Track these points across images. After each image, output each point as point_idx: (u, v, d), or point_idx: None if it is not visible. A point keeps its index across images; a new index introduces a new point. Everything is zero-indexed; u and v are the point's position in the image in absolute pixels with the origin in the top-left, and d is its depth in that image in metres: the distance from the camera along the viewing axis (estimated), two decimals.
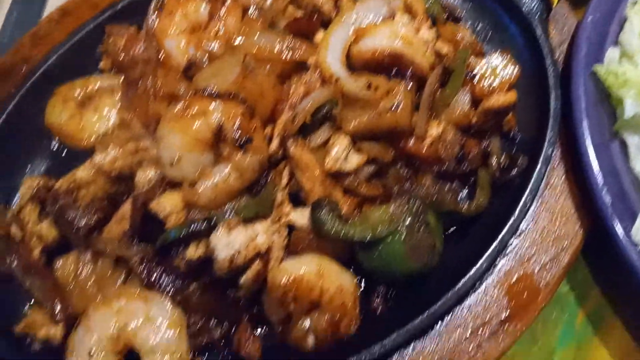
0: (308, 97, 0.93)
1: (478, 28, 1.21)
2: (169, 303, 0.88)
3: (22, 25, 1.31)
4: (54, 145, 1.10)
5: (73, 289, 0.94)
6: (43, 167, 1.10)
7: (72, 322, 0.92)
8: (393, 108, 0.91)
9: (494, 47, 1.18)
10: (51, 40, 1.14)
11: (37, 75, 1.09)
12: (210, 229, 0.87)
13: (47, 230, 0.97)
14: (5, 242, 0.97)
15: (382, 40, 0.98)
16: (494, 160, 1.02)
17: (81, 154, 1.04)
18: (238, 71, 0.91)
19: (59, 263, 0.95)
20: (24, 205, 1.00)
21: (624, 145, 1.02)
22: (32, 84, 1.09)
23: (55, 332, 0.92)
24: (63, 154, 1.10)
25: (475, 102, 1.04)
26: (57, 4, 1.30)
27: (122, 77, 1.05)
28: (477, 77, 1.05)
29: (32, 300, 0.96)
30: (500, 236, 0.95)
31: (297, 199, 0.95)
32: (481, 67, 1.06)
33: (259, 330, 0.93)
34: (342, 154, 0.91)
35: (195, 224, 0.87)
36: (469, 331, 0.91)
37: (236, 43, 0.98)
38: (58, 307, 0.93)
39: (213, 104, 0.88)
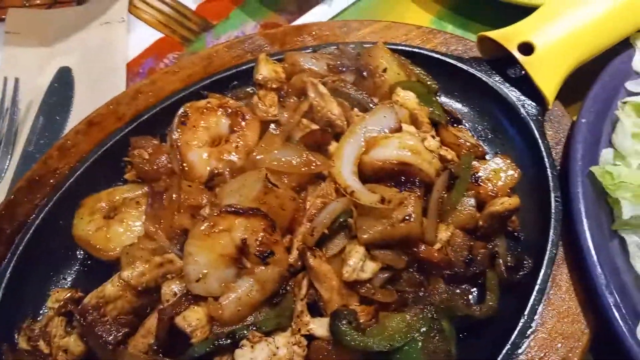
0: (325, 209, 0.98)
1: (479, 129, 1.29)
2: None
3: (49, 132, 1.38)
4: (81, 256, 1.14)
5: None
6: (70, 278, 1.13)
7: None
8: (405, 219, 0.96)
9: (495, 148, 1.26)
10: (78, 151, 1.20)
11: (64, 188, 1.15)
12: (234, 345, 0.90)
13: (73, 344, 0.99)
14: (33, 357, 1.00)
15: (392, 151, 1.04)
16: (501, 262, 1.08)
17: (106, 265, 1.08)
18: (260, 187, 0.97)
19: None
20: (50, 319, 1.04)
21: (623, 244, 1.07)
22: (60, 196, 1.14)
23: None
24: (89, 265, 1.14)
25: (479, 204, 1.11)
26: (81, 110, 1.39)
27: (147, 189, 1.11)
28: (480, 181, 1.13)
29: None
30: (511, 339, 0.97)
31: (314, 309, 0.99)
32: (484, 170, 1.14)
33: None
34: (358, 264, 0.96)
35: (220, 340, 0.90)
36: None
37: (256, 157, 1.05)
38: None
39: (237, 220, 0.94)
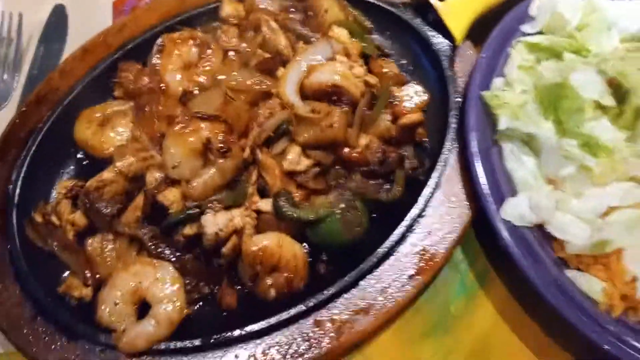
0: (271, 118, 1.29)
1: (403, 63, 1.57)
2: (172, 268, 1.19)
3: (49, 58, 1.64)
4: (80, 155, 1.43)
5: (99, 261, 1.24)
6: (71, 172, 1.41)
7: (98, 285, 1.20)
8: (331, 125, 1.27)
9: (415, 79, 1.51)
10: (75, 74, 1.47)
11: (66, 102, 1.43)
12: (201, 213, 1.21)
13: (79, 218, 1.29)
14: (47, 228, 1.30)
15: (326, 75, 1.33)
16: (407, 162, 1.40)
17: (99, 162, 1.36)
18: (221, 100, 1.27)
19: (89, 242, 1.25)
20: (59, 201, 1.34)
21: (500, 150, 1.30)
22: (63, 109, 1.43)
23: (87, 292, 1.21)
24: (86, 162, 1.43)
25: (394, 120, 1.42)
26: (74, 41, 1.64)
27: (133, 103, 1.40)
28: (396, 101, 1.43)
29: (69, 271, 1.29)
30: (409, 216, 1.23)
31: (263, 192, 1.30)
32: (400, 93, 1.44)
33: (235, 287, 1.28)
34: (295, 158, 1.28)
35: (191, 210, 1.22)
36: (384, 284, 1.16)
37: (219, 78, 1.34)
38: (88, 275, 1.22)
39: (203, 124, 1.24)
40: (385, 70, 1.48)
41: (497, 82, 1.45)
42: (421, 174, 1.37)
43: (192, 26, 1.53)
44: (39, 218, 1.31)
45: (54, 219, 1.31)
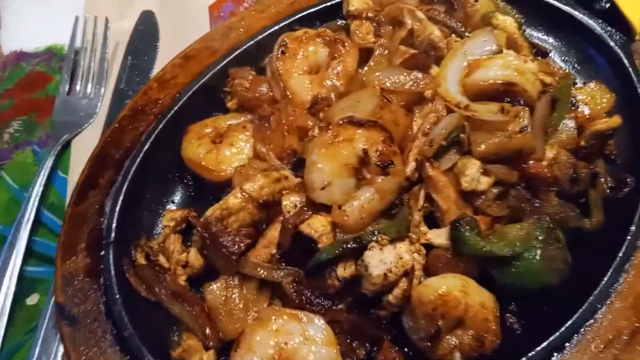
0: (440, 122, 1.01)
1: (565, 61, 1.30)
2: (323, 323, 0.92)
3: (139, 70, 1.41)
4: (186, 180, 1.17)
5: (223, 314, 0.97)
6: (178, 200, 1.17)
7: (223, 346, 0.96)
8: (522, 130, 0.98)
9: (583, 79, 1.28)
10: (176, 83, 1.23)
11: (170, 115, 1.18)
12: (362, 248, 0.93)
13: (193, 258, 1.03)
14: (153, 272, 1.02)
15: (497, 71, 1.06)
16: (602, 181, 1.10)
17: (212, 188, 1.12)
18: (376, 102, 0.99)
19: (209, 290, 0.98)
20: (167, 236, 1.06)
21: None
22: (165, 124, 1.17)
23: (208, 357, 0.95)
24: (194, 188, 1.17)
25: (578, 127, 1.13)
26: (167, 50, 1.41)
27: (253, 115, 1.14)
28: (578, 105, 1.15)
29: (181, 326, 1.00)
30: (621, 251, 0.99)
31: (429, 221, 1.02)
32: (580, 95, 1.16)
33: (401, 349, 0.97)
34: (476, 175, 0.98)
35: (348, 243, 0.93)
36: (603, 345, 0.93)
37: (365, 78, 1.07)
38: (209, 333, 0.96)
39: (358, 131, 0.96)
40: (553, 69, 1.20)
41: None
42: (624, 194, 1.06)
43: (310, 27, 1.28)
44: (141, 259, 1.05)
45: (161, 259, 1.04)
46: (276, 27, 1.28)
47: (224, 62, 1.24)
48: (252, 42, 1.27)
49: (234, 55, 1.25)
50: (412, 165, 1.00)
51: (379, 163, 0.95)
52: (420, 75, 1.07)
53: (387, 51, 1.12)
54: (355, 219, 0.95)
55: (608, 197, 1.08)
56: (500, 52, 1.12)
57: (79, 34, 1.44)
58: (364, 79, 1.08)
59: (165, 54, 1.36)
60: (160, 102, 1.20)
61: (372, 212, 0.96)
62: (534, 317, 0.99)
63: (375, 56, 1.12)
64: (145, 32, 1.46)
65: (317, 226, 0.95)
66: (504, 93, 1.07)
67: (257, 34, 1.29)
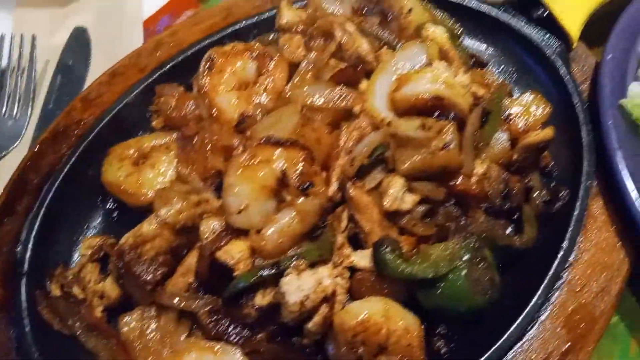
0: (363, 141, 0.97)
1: (504, 71, 1.28)
2: (240, 354, 0.88)
3: (68, 90, 1.36)
4: (108, 205, 1.13)
5: (139, 347, 0.93)
6: (98, 227, 1.13)
7: None
8: (445, 146, 0.95)
9: (521, 89, 1.25)
10: (102, 102, 1.19)
11: (91, 137, 1.13)
12: (279, 275, 0.89)
13: (110, 288, 0.98)
14: (67, 303, 0.98)
15: (425, 85, 1.03)
16: (536, 195, 1.07)
17: (134, 213, 1.07)
18: (296, 120, 0.96)
19: (124, 321, 0.95)
20: (83, 265, 1.02)
21: None
22: (86, 146, 1.12)
23: None
24: (115, 214, 1.13)
25: (512, 140, 1.10)
26: (99, 68, 1.37)
27: (177, 134, 1.09)
28: (511, 117, 1.12)
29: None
30: (552, 269, 0.96)
31: (354, 242, 0.98)
32: (514, 107, 1.13)
33: None
34: (399, 193, 0.95)
35: (265, 270, 0.89)
36: None
37: (292, 93, 1.03)
38: None
39: (276, 151, 0.92)
40: (487, 80, 1.17)
41: (634, 87, 1.16)
42: (557, 209, 1.04)
43: (243, 40, 1.24)
44: (56, 290, 1.00)
45: (75, 290, 1.00)
46: (206, 42, 1.24)
47: (151, 79, 1.19)
48: (181, 57, 1.23)
49: (162, 71, 1.21)
50: (334, 185, 0.96)
51: (298, 184, 0.92)
52: (346, 90, 1.04)
53: (312, 65, 1.08)
54: (274, 243, 0.91)
55: (544, 211, 1.07)
56: (431, 64, 1.09)
57: (4, 52, 1.39)
58: (288, 95, 1.04)
59: (98, 72, 1.31)
60: (83, 122, 1.16)
61: (292, 236, 0.92)
62: (464, 339, 0.95)
63: (300, 71, 1.08)
64: (77, 50, 1.42)
65: (234, 252, 0.91)
66: (435, 107, 1.04)
67: (187, 48, 1.25)
